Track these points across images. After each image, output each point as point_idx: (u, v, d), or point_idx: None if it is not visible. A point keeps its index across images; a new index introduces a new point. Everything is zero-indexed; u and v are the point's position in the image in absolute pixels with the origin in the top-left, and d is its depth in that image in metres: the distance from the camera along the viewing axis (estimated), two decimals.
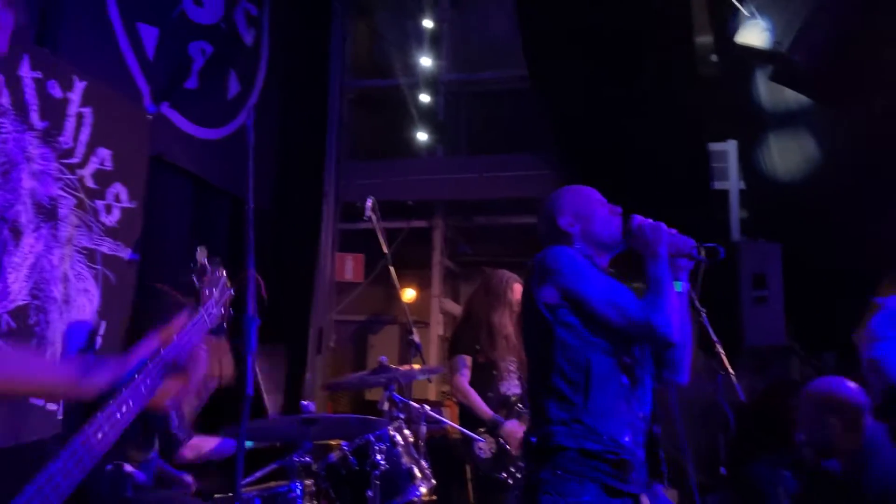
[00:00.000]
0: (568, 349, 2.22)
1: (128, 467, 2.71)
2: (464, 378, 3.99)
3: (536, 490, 2.22)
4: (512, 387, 4.06)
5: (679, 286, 2.36)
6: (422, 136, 7.27)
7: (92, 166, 4.16)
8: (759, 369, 5.61)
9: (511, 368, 4.07)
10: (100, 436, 1.23)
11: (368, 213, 3.80)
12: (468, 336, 4.07)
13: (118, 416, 1.28)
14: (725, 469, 4.02)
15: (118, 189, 4.33)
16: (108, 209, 4.25)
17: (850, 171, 5.40)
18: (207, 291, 1.56)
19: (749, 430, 4.10)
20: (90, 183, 4.14)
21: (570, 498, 2.17)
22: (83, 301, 4.01)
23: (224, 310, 1.61)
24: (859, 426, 3.01)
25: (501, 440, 3.88)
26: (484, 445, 3.86)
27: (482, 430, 3.92)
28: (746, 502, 4.10)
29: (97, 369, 1.35)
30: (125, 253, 4.33)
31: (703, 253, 2.36)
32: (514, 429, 3.85)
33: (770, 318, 5.16)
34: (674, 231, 2.37)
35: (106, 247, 4.21)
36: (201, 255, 1.57)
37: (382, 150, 7.70)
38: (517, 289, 3.93)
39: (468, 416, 4.02)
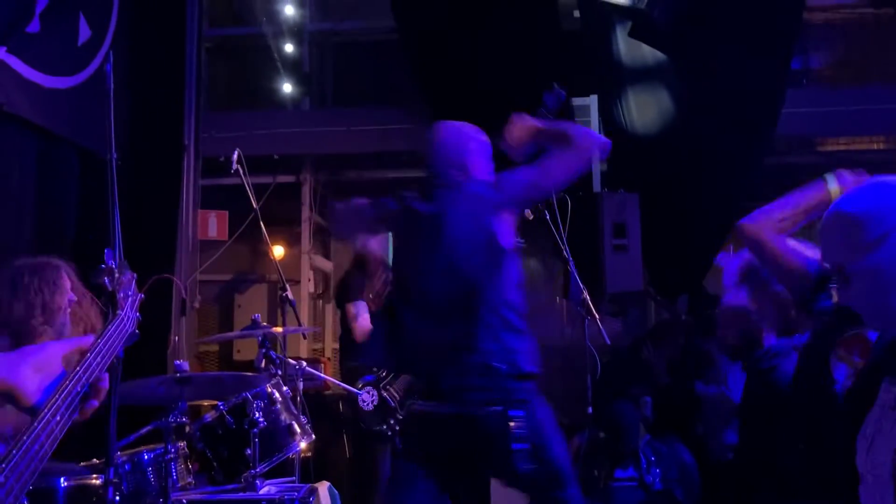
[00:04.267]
0: None
1: None
2: (366, 321, 4.01)
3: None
4: None
5: None
6: (287, 88, 7.04)
7: None
8: (619, 314, 5.91)
9: None
10: (36, 447, 1.17)
11: (235, 165, 3.65)
12: (360, 282, 4.10)
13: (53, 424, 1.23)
14: (592, 408, 4.26)
15: None
16: None
17: (702, 124, 5.71)
18: (122, 294, 1.48)
19: (613, 372, 4.33)
20: None
21: None
22: None
23: (137, 314, 1.54)
24: None
25: (383, 393, 3.92)
26: (367, 397, 3.88)
27: (360, 384, 3.94)
28: (610, 437, 4.35)
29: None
30: None
31: None
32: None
33: (629, 265, 5.41)
34: None
35: None
36: (110, 256, 1.50)
37: (246, 102, 7.42)
38: None
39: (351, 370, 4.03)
